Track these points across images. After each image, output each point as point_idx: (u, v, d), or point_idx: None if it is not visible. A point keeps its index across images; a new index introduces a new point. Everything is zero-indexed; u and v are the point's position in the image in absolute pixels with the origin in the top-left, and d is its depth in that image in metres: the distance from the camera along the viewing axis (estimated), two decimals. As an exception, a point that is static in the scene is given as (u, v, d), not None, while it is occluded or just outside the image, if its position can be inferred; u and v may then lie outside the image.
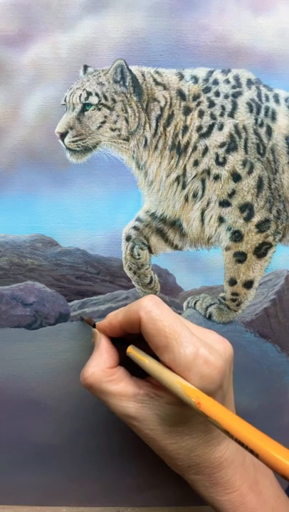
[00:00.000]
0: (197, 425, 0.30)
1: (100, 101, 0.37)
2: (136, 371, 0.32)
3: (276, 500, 0.33)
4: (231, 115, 0.38)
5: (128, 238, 0.39)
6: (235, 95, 0.38)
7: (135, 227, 0.39)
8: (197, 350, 0.29)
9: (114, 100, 0.37)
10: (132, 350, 0.32)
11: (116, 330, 0.33)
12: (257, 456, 0.23)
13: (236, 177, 0.38)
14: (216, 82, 0.38)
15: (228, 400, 0.32)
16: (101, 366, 0.32)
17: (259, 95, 0.38)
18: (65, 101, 0.37)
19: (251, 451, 0.23)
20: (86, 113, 0.37)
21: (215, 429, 0.31)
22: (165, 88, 0.37)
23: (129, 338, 0.33)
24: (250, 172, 0.38)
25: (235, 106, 0.38)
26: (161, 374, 0.29)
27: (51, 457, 0.43)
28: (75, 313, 0.40)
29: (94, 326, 0.35)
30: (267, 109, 0.38)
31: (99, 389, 0.31)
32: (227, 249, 0.40)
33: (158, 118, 0.38)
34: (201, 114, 0.38)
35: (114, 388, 0.31)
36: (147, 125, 0.38)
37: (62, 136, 0.37)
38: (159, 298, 0.31)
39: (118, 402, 0.31)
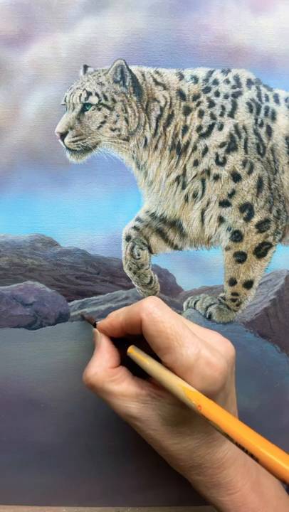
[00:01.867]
0: (199, 426, 0.30)
1: (99, 101, 0.37)
2: (138, 371, 0.32)
3: (278, 500, 0.33)
4: (231, 115, 0.38)
5: (128, 238, 0.39)
6: (235, 95, 0.38)
7: (135, 227, 0.39)
8: (199, 351, 0.28)
9: (114, 100, 0.37)
10: (133, 351, 0.32)
11: (117, 331, 0.33)
12: (257, 460, 0.23)
13: (236, 177, 0.38)
14: (216, 82, 0.38)
15: (230, 401, 0.32)
16: (103, 366, 0.32)
17: (259, 95, 0.38)
18: (65, 101, 0.37)
19: (251, 455, 0.23)
20: (86, 113, 0.37)
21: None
22: (165, 88, 0.37)
23: (130, 338, 0.33)
24: (250, 172, 0.38)
25: (235, 106, 0.38)
26: (162, 375, 0.29)
27: (51, 457, 0.43)
28: (75, 313, 0.40)
29: (95, 325, 0.35)
30: (267, 109, 0.38)
31: (101, 389, 0.31)
32: (227, 249, 0.40)
33: (158, 118, 0.38)
34: (201, 114, 0.38)
35: (117, 388, 0.31)
36: (147, 125, 0.38)
37: (63, 136, 0.37)
38: (160, 299, 0.31)
39: (120, 402, 0.31)
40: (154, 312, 0.30)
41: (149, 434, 0.31)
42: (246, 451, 0.24)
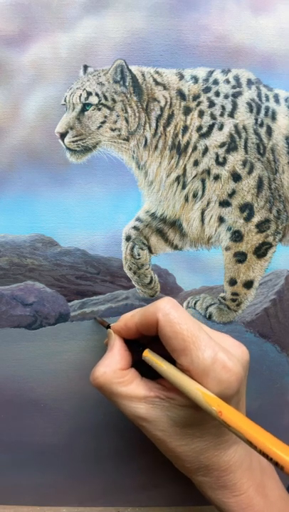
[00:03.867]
0: (209, 428, 0.30)
1: (100, 101, 0.37)
2: (146, 373, 0.32)
3: (282, 502, 0.33)
4: (231, 115, 0.38)
5: (128, 238, 0.39)
6: (236, 95, 0.38)
7: (135, 227, 0.39)
8: (215, 354, 0.28)
9: (114, 100, 0.37)
10: (149, 354, 0.31)
11: (131, 332, 0.32)
12: (282, 468, 0.23)
13: (236, 177, 0.38)
14: (216, 82, 0.38)
15: (241, 405, 0.32)
16: (112, 367, 0.31)
17: (259, 95, 0.38)
18: (65, 101, 0.37)
19: (276, 464, 0.23)
20: (86, 113, 0.37)
21: (226, 433, 0.31)
22: (165, 88, 0.37)
23: (143, 340, 0.33)
24: (250, 172, 0.38)
25: (235, 106, 0.38)
26: (180, 380, 0.29)
27: (51, 457, 0.43)
28: (75, 313, 0.40)
29: (108, 327, 0.35)
30: (267, 109, 0.38)
31: (109, 390, 0.31)
32: (227, 249, 0.40)
33: (158, 118, 0.38)
34: (201, 114, 0.38)
35: (125, 390, 0.31)
36: (147, 125, 0.38)
37: (62, 136, 0.37)
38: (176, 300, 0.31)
39: (128, 403, 0.31)
40: (170, 313, 0.29)
41: (157, 435, 0.31)
42: (270, 459, 0.23)
